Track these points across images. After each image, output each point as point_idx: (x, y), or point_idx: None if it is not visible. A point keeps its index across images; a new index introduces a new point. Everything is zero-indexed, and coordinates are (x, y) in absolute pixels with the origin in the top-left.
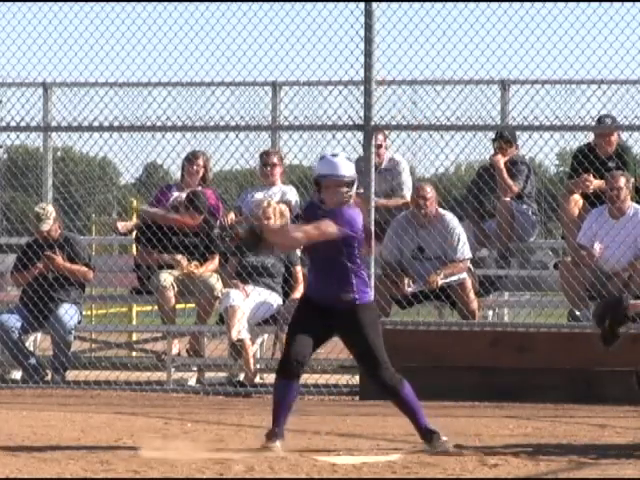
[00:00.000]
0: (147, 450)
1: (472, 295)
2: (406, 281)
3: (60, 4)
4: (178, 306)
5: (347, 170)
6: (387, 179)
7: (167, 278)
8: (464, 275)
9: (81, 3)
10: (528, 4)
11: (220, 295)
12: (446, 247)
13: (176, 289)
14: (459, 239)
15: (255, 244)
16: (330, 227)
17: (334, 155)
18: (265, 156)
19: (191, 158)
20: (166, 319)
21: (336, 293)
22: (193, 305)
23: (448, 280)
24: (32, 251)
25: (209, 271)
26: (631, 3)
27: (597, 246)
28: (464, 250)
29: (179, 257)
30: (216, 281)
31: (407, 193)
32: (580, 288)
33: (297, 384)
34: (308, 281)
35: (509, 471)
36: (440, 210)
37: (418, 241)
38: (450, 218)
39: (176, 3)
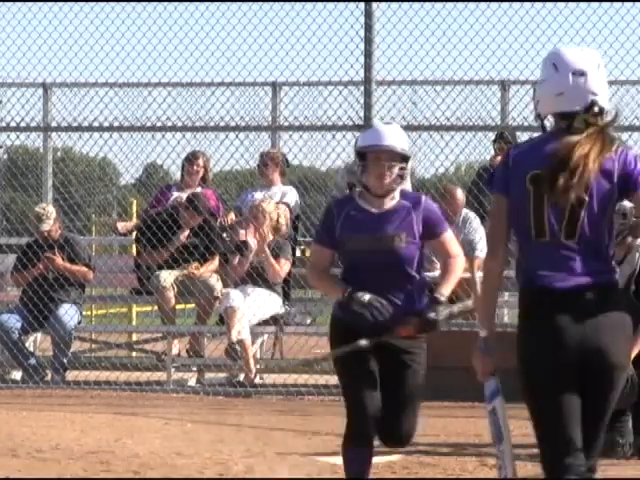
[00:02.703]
0: None
1: (473, 295)
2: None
3: (60, 4)
4: (178, 306)
5: (401, 142)
6: None
7: (167, 278)
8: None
9: (81, 3)
10: (528, 4)
11: (220, 295)
12: (466, 243)
13: (176, 289)
14: (480, 237)
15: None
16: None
17: (387, 123)
18: (265, 156)
19: (191, 158)
20: (166, 319)
21: (404, 315)
22: (193, 305)
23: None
24: (32, 251)
25: (209, 271)
26: (631, 3)
27: None
28: (483, 249)
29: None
30: (216, 281)
31: None
32: None
33: (372, 449)
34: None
35: None
36: (464, 210)
37: None
38: (473, 217)
39: (176, 3)
